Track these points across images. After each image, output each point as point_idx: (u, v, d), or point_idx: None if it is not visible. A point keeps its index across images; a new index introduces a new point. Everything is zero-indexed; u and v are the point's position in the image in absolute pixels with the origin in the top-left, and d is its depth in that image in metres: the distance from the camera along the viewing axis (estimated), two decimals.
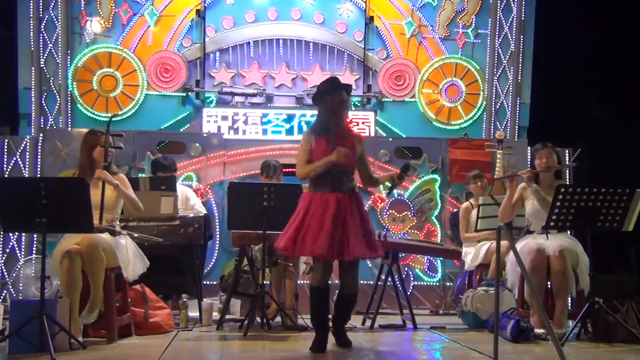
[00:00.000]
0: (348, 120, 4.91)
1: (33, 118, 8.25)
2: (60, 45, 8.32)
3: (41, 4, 8.31)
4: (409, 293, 6.94)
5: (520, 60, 8.89)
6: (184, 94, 8.52)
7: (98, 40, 8.47)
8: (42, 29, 8.32)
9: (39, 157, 7.59)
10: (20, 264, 7.34)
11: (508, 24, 8.90)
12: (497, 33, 8.89)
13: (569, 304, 5.82)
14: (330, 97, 4.70)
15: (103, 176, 5.04)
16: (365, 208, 4.97)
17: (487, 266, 6.50)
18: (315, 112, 8.11)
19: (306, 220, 4.56)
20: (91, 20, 8.46)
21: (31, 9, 8.28)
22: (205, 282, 7.04)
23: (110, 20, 8.49)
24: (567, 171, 7.56)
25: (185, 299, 5.93)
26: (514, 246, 4.13)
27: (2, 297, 7.26)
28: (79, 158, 5.36)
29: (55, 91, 8.31)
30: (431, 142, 8.15)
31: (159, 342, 5.00)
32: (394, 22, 8.84)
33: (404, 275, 6.94)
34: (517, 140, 8.55)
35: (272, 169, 6.40)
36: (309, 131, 4.86)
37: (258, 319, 5.66)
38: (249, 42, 8.68)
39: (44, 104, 8.29)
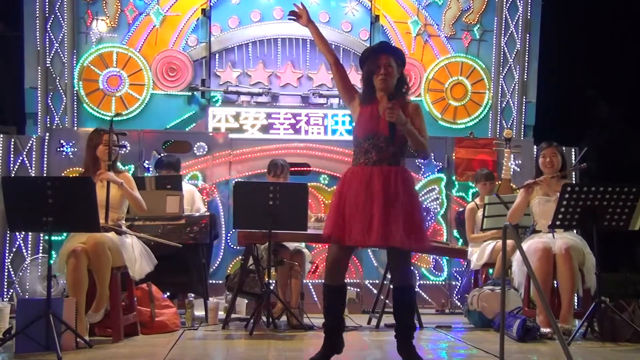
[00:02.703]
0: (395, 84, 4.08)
1: (39, 117, 8.26)
2: (66, 44, 8.33)
3: (47, 3, 8.33)
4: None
5: (526, 59, 8.87)
6: (190, 93, 8.52)
7: (104, 40, 8.48)
8: (48, 29, 8.34)
9: (45, 156, 7.61)
10: (26, 263, 7.36)
11: (514, 23, 8.88)
12: (503, 32, 8.88)
13: (575, 303, 5.81)
14: (369, 62, 4.13)
15: (106, 177, 5.06)
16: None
17: (493, 265, 6.50)
18: (318, 111, 8.29)
19: (345, 201, 3.95)
20: (97, 20, 8.47)
21: (37, 9, 8.30)
22: (211, 281, 7.05)
23: (116, 20, 8.50)
24: (573, 166, 7.55)
25: (191, 298, 5.95)
26: (520, 245, 4.12)
27: (8, 296, 7.28)
28: (84, 157, 5.40)
29: (61, 91, 8.32)
30: (437, 141, 8.12)
31: (165, 341, 5.01)
32: (400, 21, 8.83)
33: (412, 273, 6.94)
34: (523, 139, 8.53)
35: (279, 168, 6.40)
36: (359, 99, 4.20)
37: (264, 318, 5.67)
38: (254, 41, 8.68)
39: (50, 104, 8.31)
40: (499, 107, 8.79)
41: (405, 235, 3.86)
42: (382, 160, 3.97)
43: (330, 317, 4.05)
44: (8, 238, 7.44)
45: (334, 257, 4.00)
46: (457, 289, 7.78)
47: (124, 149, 5.45)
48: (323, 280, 4.08)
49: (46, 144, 7.63)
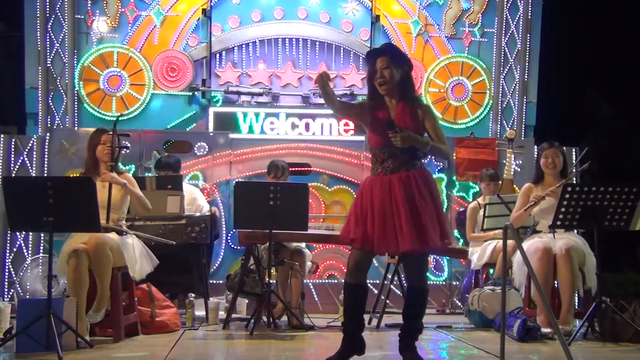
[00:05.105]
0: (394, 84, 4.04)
1: (40, 117, 8.26)
2: (67, 44, 8.34)
3: (48, 4, 8.33)
4: None
5: (527, 58, 8.86)
6: (190, 93, 8.52)
7: (104, 40, 8.48)
8: (49, 29, 8.34)
9: (46, 156, 7.61)
10: (27, 263, 7.36)
11: (514, 23, 8.88)
12: (503, 32, 8.87)
13: (576, 303, 5.81)
14: (368, 66, 4.13)
15: (109, 179, 5.06)
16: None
17: (493, 265, 6.49)
18: (319, 111, 8.28)
19: (368, 210, 3.97)
20: (98, 20, 8.47)
21: (38, 9, 8.29)
22: (211, 281, 7.05)
23: (117, 20, 8.50)
24: (574, 170, 7.55)
25: (191, 298, 5.94)
26: (521, 245, 4.12)
27: (9, 296, 7.29)
28: (85, 157, 5.40)
29: (62, 91, 8.32)
30: None
31: (165, 341, 5.01)
32: (400, 20, 8.83)
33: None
34: (524, 139, 8.53)
35: (280, 170, 6.40)
36: (367, 105, 4.18)
37: (264, 318, 5.67)
38: (255, 42, 8.68)
39: (51, 104, 8.31)
40: (500, 107, 8.79)
41: (433, 238, 3.89)
42: (400, 166, 3.98)
43: (349, 317, 4.07)
44: (9, 238, 7.45)
45: (357, 258, 4.03)
46: (457, 289, 7.77)
47: (125, 150, 5.42)
48: (344, 279, 4.13)
49: (47, 144, 7.64)
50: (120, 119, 5.64)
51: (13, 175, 7.41)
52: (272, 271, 5.75)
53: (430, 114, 4.12)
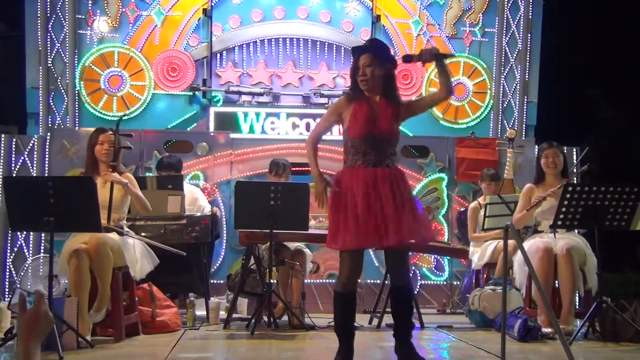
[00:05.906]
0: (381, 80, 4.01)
1: (41, 117, 8.27)
2: (67, 44, 8.34)
3: (49, 3, 8.34)
4: (416, 292, 6.93)
5: (528, 58, 8.87)
6: (191, 93, 8.52)
7: (105, 40, 8.48)
8: (50, 29, 8.35)
9: (47, 156, 7.61)
10: (28, 263, 7.36)
11: (515, 22, 8.89)
12: (504, 31, 8.88)
13: (577, 303, 5.80)
14: (353, 62, 4.08)
15: (110, 178, 5.06)
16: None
17: (494, 265, 6.49)
18: (319, 111, 8.27)
19: (340, 206, 3.90)
20: (98, 20, 8.47)
21: (39, 9, 8.30)
22: (212, 281, 7.05)
23: (118, 20, 8.50)
24: (575, 170, 7.56)
25: (192, 298, 5.94)
26: (522, 245, 4.12)
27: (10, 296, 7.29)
28: (85, 157, 5.39)
29: (62, 90, 8.33)
30: (438, 141, 8.13)
31: (166, 340, 5.01)
32: (401, 20, 8.83)
33: (410, 274, 6.93)
34: (525, 139, 8.53)
35: (281, 168, 6.40)
36: (346, 97, 4.10)
37: (265, 318, 5.67)
38: (255, 41, 8.68)
39: (52, 104, 8.31)
40: (501, 107, 8.80)
41: (417, 233, 3.91)
42: (382, 161, 3.94)
43: (342, 329, 3.98)
44: (10, 238, 7.45)
45: (351, 265, 3.90)
46: (458, 289, 7.77)
47: (127, 149, 5.41)
48: (335, 289, 4.04)
49: (47, 143, 7.64)
50: (123, 118, 5.63)
51: (14, 175, 7.41)
52: (272, 271, 5.75)
53: (413, 100, 4.35)
